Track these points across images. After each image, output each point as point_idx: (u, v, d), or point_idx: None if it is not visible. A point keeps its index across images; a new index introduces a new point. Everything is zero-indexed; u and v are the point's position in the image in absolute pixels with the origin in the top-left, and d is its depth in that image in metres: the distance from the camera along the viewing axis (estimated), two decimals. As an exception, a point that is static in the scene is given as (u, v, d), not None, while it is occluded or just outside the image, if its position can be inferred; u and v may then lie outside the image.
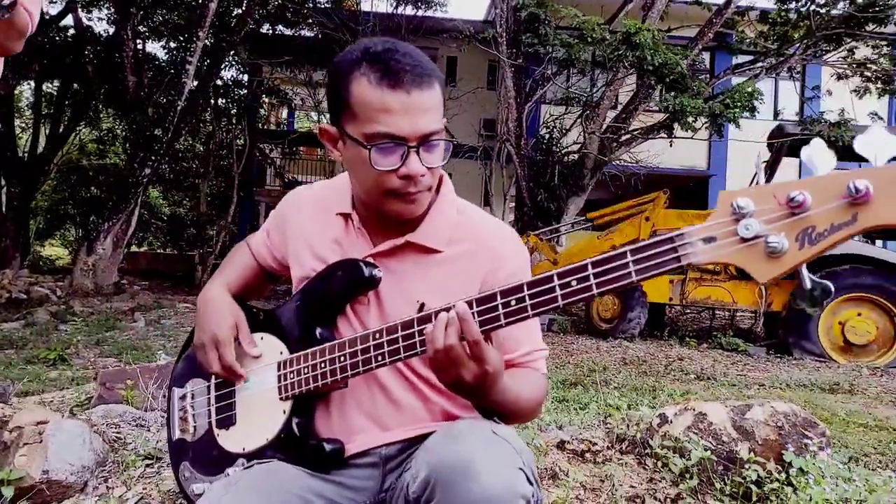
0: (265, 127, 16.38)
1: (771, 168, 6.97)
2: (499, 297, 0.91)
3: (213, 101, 13.26)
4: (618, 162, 10.12)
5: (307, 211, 1.20)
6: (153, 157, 9.53)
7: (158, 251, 16.76)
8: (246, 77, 14.81)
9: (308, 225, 1.19)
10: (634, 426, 2.06)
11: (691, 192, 16.06)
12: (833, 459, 1.81)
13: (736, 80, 10.64)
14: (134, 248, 15.48)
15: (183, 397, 1.27)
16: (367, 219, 1.13)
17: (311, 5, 13.82)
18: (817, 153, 0.74)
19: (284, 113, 19.04)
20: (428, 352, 0.93)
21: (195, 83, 10.07)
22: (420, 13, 14.12)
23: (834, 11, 10.25)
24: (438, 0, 14.37)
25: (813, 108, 11.90)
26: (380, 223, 1.12)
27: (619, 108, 9.74)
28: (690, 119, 6.94)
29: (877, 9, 8.62)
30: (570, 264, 0.90)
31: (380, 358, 1.00)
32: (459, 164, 15.76)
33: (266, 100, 15.28)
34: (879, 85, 10.69)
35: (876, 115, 11.26)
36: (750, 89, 6.97)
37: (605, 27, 6.47)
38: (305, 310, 1.13)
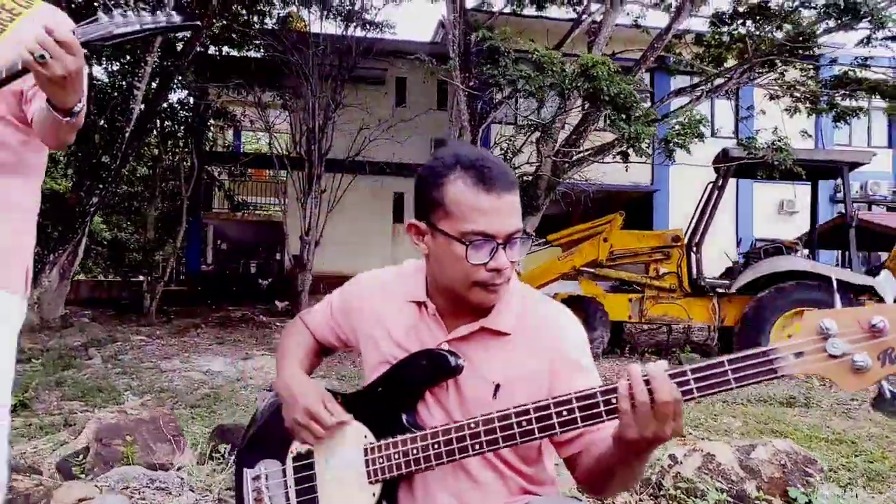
0: (212, 149, 16.07)
1: (719, 190, 7.34)
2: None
3: (159, 124, 12.95)
4: (569, 180, 10.41)
5: (379, 296, 1.28)
6: (101, 185, 9.25)
7: (100, 278, 16.16)
8: (192, 99, 14.53)
9: (382, 310, 1.26)
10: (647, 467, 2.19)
11: (637, 207, 16.63)
12: (829, 490, 1.96)
13: (677, 101, 11.17)
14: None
15: (256, 478, 1.29)
16: (442, 306, 1.20)
17: (257, 27, 13.71)
18: (888, 284, 0.90)
19: (230, 134, 18.75)
20: (638, 409, 0.95)
21: (142, 107, 9.84)
22: (369, 35, 14.17)
23: (767, 36, 10.91)
24: (387, 22, 14.47)
25: (748, 127, 12.58)
26: (453, 310, 1.19)
27: (569, 129, 10.02)
28: (644, 145, 7.27)
29: (805, 37, 9.20)
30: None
31: (477, 447, 1.08)
32: (412, 183, 15.89)
33: (213, 122, 15.01)
34: (808, 105, 11.38)
35: (806, 132, 11.98)
36: (699, 117, 7.35)
37: (563, 60, 6.71)
38: (390, 396, 1.19)
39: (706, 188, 7.75)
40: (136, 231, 14.64)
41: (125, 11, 1.25)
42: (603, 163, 10.21)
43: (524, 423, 1.04)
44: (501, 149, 10.98)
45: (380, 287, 1.30)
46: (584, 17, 10.90)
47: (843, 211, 12.05)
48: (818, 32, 9.36)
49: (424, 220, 1.16)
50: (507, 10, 13.70)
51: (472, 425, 1.08)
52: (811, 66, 10.68)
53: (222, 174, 17.20)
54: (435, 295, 1.21)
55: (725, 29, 11.57)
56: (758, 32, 11.06)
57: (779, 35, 10.70)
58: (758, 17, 11.04)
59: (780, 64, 9.91)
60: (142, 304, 12.54)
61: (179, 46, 11.42)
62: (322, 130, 13.02)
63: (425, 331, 1.21)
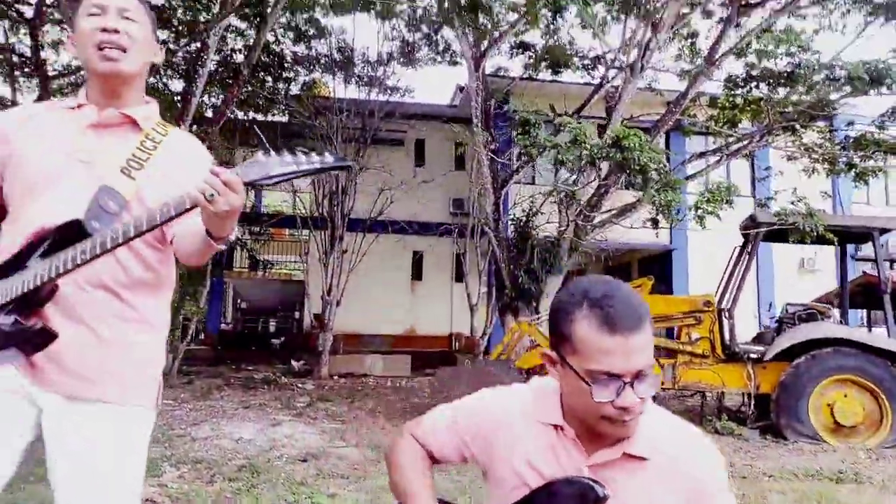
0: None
1: (749, 255, 7.35)
2: None
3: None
4: (591, 240, 10.48)
5: (511, 417, 1.29)
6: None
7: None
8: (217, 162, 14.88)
9: (517, 431, 1.27)
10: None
11: (654, 264, 16.64)
12: None
13: (696, 163, 11.34)
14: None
15: None
16: (580, 430, 1.22)
17: (282, 93, 14.15)
18: None
19: (252, 195, 19.10)
20: None
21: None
22: (390, 99, 14.58)
23: (783, 100, 11.12)
24: (407, 87, 14.90)
25: (766, 187, 12.68)
26: (591, 435, 1.21)
27: (590, 189, 10.14)
28: (674, 212, 7.36)
29: (825, 104, 9.36)
30: None
31: None
32: (432, 241, 16.05)
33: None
34: (826, 165, 11.48)
35: (826, 193, 12.05)
36: (727, 185, 7.45)
37: (593, 133, 6.89)
38: None
39: (733, 252, 7.77)
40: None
41: (282, 152, 1.33)
42: (622, 226, 10.30)
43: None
44: (523, 210, 11.11)
45: (512, 407, 1.31)
46: (604, 82, 11.13)
47: (866, 271, 11.99)
48: (837, 98, 9.51)
49: (556, 350, 1.20)
50: (524, 74, 14.02)
51: None
52: (829, 129, 10.78)
53: (244, 233, 17.47)
54: (571, 419, 1.23)
55: (739, 92, 11.84)
56: (772, 95, 11.29)
57: (794, 98, 10.92)
58: (770, 81, 11.29)
59: (799, 128, 10.04)
60: (166, 365, 12.55)
61: (209, 113, 11.76)
62: (345, 192, 13.26)
63: (564, 455, 1.22)
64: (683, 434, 1.25)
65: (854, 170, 10.99)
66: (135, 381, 1.51)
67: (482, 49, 10.42)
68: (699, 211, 7.40)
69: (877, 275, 6.97)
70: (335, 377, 12.88)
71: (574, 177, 8.25)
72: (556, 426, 1.24)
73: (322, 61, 14.38)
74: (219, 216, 1.31)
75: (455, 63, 14.63)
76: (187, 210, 1.34)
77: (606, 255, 11.62)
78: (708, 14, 11.52)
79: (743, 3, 10.53)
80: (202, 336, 16.63)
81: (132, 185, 1.51)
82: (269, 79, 13.99)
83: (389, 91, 14.53)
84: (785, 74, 11.01)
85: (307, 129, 13.34)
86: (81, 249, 1.37)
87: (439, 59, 14.77)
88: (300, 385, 11.30)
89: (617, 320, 1.12)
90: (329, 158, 1.36)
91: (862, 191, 15.60)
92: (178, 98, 10.76)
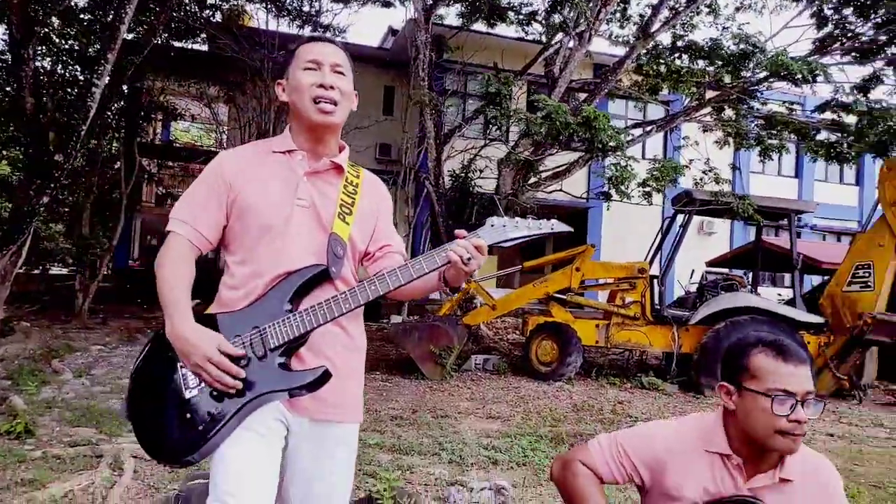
0: (150, 141, 15.39)
1: (682, 229, 7.98)
2: None
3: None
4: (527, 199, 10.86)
5: (684, 446, 1.56)
6: (52, 185, 8.76)
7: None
8: (126, 89, 13.85)
9: (687, 460, 1.54)
10: None
11: (571, 221, 17.40)
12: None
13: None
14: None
15: None
16: (744, 457, 1.50)
17: (203, 19, 13.28)
18: None
19: (160, 126, 17.97)
20: None
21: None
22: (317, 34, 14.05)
23: (700, 70, 11.84)
24: (339, 25, 14.42)
25: (682, 156, 13.57)
26: (753, 461, 1.50)
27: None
28: (624, 188, 7.81)
29: (749, 84, 10.09)
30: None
31: None
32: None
33: (153, 114, 14.38)
34: (737, 139, 12.42)
35: (735, 165, 13.07)
36: (674, 164, 7.97)
37: (567, 110, 7.10)
38: None
39: (663, 223, 8.41)
40: (69, 228, 13.82)
41: (513, 217, 1.55)
42: (552, 189, 10.76)
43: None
44: (462, 164, 11.30)
45: (680, 438, 1.58)
46: (549, 44, 11.33)
47: (757, 237, 13.22)
48: (757, 81, 10.24)
49: (733, 383, 1.48)
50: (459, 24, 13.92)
51: None
52: (749, 108, 11.62)
53: (150, 165, 16.49)
54: (738, 447, 1.50)
55: (662, 61, 12.46)
56: (692, 67, 11.99)
57: (715, 73, 11.65)
58: (692, 53, 11.95)
59: (726, 108, 10.78)
60: (69, 302, 11.89)
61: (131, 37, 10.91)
62: (274, 131, 12.84)
63: (728, 479, 1.50)
64: (813, 458, 1.56)
65: (761, 145, 11.96)
66: (359, 402, 1.69)
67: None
68: (647, 187, 7.92)
69: (789, 248, 7.81)
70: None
71: (527, 142, 8.48)
72: (722, 455, 1.52)
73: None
74: (466, 273, 1.51)
75: (388, 4, 14.26)
76: (442, 266, 1.52)
77: (531, 212, 12.07)
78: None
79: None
80: (108, 273, 15.79)
81: (347, 229, 1.62)
82: (192, 4, 13.05)
83: (322, 29, 14.00)
84: (706, 49, 11.70)
85: (231, 60, 12.63)
86: (343, 300, 1.51)
87: (373, -2, 14.33)
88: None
89: (790, 352, 1.47)
90: (554, 224, 1.57)
91: (754, 159, 16.99)
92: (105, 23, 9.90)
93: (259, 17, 16.66)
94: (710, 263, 13.89)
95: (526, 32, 13.37)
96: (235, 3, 13.91)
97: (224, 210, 1.61)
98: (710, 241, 17.08)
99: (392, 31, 17.19)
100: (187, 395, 1.51)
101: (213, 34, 13.15)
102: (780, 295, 13.77)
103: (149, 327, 10.65)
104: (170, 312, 1.51)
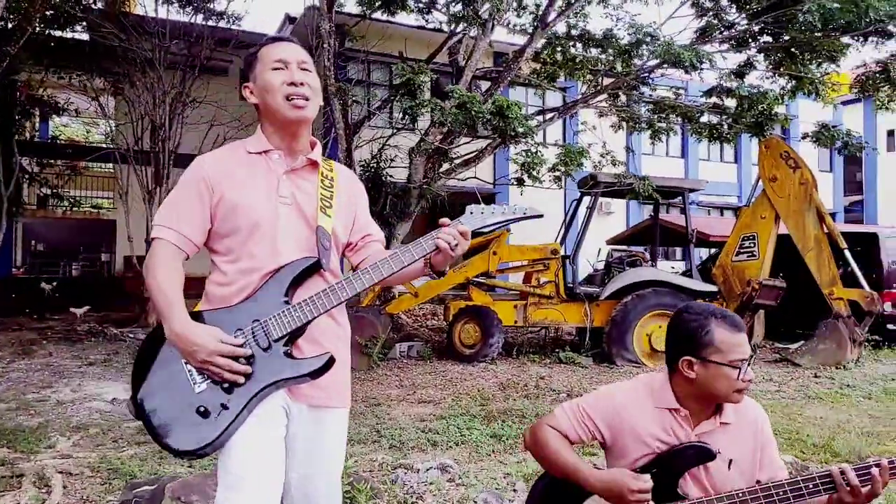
0: (31, 139, 14.25)
1: (589, 210, 8.41)
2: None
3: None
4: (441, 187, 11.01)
5: (637, 403, 1.76)
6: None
7: None
8: None
9: (641, 415, 1.75)
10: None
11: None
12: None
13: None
14: None
15: None
16: (691, 410, 1.72)
17: (81, 7, 12.41)
18: None
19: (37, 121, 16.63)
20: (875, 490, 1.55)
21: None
22: (216, 24, 13.52)
23: (593, 57, 12.45)
24: (235, 13, 13.90)
25: (581, 140, 14.21)
26: (700, 413, 1.71)
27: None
28: (535, 173, 8.12)
29: (642, 72, 10.71)
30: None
31: None
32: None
33: (32, 110, 13.33)
34: (631, 124, 13.17)
35: (629, 148, 13.84)
36: (580, 150, 8.37)
37: (480, 100, 7.26)
38: (662, 475, 1.67)
39: (571, 205, 8.83)
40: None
41: (484, 206, 1.69)
42: (468, 176, 10.99)
43: (789, 491, 1.58)
44: (372, 154, 11.27)
45: (633, 397, 1.77)
46: (453, 34, 11.49)
47: (651, 215, 14.11)
48: (650, 67, 10.87)
49: (696, 357, 1.68)
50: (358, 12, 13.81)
51: (747, 493, 1.61)
52: (640, 94, 12.30)
53: (31, 165, 15.29)
54: (685, 403, 1.71)
55: (559, 49, 12.99)
56: (586, 55, 12.59)
57: (609, 61, 12.27)
58: (586, 42, 12.53)
59: (621, 94, 11.37)
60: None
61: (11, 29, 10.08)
62: (170, 125, 12.28)
63: (678, 429, 1.72)
64: (748, 402, 1.80)
65: (652, 129, 12.72)
66: (348, 388, 1.78)
67: (335, -12, 10.14)
68: (556, 172, 8.28)
69: (684, 224, 8.43)
70: (165, 324, 12.27)
71: (437, 130, 8.60)
72: (671, 409, 1.72)
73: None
74: (452, 257, 1.64)
75: (284, -9, 13.89)
76: (430, 252, 1.62)
77: (442, 199, 12.27)
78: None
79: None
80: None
81: (329, 221, 1.69)
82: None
83: (216, 16, 13.45)
84: (598, 38, 12.29)
85: (121, 51, 11.92)
86: (340, 289, 1.59)
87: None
88: (131, 335, 10.63)
89: (738, 323, 1.70)
90: (527, 209, 1.72)
91: (645, 140, 18.07)
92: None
93: (146, 5, 15.82)
94: (611, 241, 14.68)
95: (427, 21, 13.49)
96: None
97: (208, 212, 1.65)
98: (609, 220, 18.00)
99: (290, 19, 16.80)
100: (196, 389, 1.55)
101: (97, 22, 12.35)
102: (673, 268, 14.76)
103: (44, 338, 9.99)
104: (167, 315, 1.54)
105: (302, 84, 1.65)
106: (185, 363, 1.56)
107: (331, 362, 1.59)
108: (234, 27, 13.92)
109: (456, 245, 1.61)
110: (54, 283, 15.05)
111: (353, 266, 1.83)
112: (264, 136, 1.72)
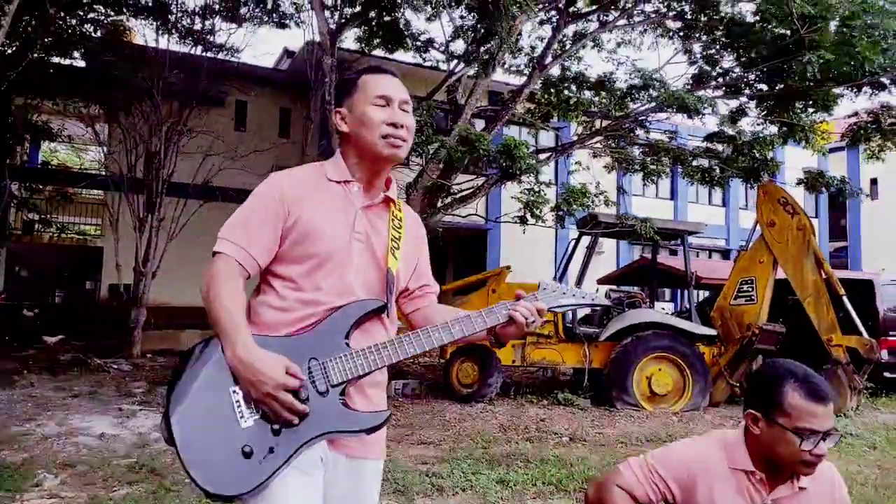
0: (23, 164, 14.09)
1: (590, 249, 8.40)
2: None
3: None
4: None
5: (710, 464, 1.68)
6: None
7: None
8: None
9: (715, 477, 1.66)
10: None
11: (470, 243, 17.85)
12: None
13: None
14: None
15: None
16: (767, 474, 1.65)
17: (81, 35, 12.42)
18: None
19: (28, 146, 16.45)
20: None
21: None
22: (211, 56, 13.58)
23: (587, 99, 12.62)
24: (233, 46, 14.00)
25: (575, 179, 14.32)
26: (775, 477, 1.64)
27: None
28: (538, 212, 8.13)
29: (635, 117, 10.87)
30: None
31: None
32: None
33: (25, 135, 13.22)
34: (624, 164, 13.30)
35: (622, 189, 13.96)
36: (583, 189, 8.40)
37: (489, 139, 7.29)
38: None
39: (569, 244, 8.83)
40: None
41: (557, 284, 1.66)
42: (467, 213, 11.00)
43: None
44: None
45: (706, 456, 1.69)
46: (452, 72, 11.63)
47: (643, 255, 14.15)
48: (645, 110, 11.03)
49: (763, 413, 1.60)
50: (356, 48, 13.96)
51: None
52: (633, 135, 12.46)
53: (20, 190, 15.07)
54: (759, 464, 1.63)
55: (553, 91, 13.19)
56: (580, 97, 12.78)
57: (604, 104, 12.45)
58: (580, 85, 12.73)
59: (628, 139, 11.52)
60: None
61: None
62: (165, 154, 12.20)
63: (753, 492, 1.63)
64: (825, 467, 1.73)
65: (645, 170, 12.86)
66: (384, 438, 1.68)
67: (339, 24, 10.27)
68: (560, 211, 8.30)
69: (675, 265, 8.42)
70: (149, 355, 12.01)
71: (434, 166, 8.60)
72: (746, 471, 1.64)
73: (131, 3, 12.83)
74: (525, 333, 1.61)
75: (284, 25, 14.04)
76: (499, 324, 1.58)
77: (439, 234, 12.25)
78: (542, 22, 12.52)
79: (568, 17, 11.59)
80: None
81: (396, 264, 1.62)
82: (70, 17, 12.18)
83: (215, 49, 13.52)
84: (592, 81, 12.51)
85: (119, 80, 11.89)
86: (408, 343, 1.52)
87: (266, 18, 14.04)
88: (115, 366, 10.37)
89: (820, 392, 1.57)
90: (596, 296, 1.72)
91: (636, 181, 18.26)
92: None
93: (146, 35, 15.88)
94: (601, 280, 14.70)
95: (424, 59, 13.67)
96: (118, 18, 13.15)
97: (279, 233, 1.56)
98: (600, 259, 17.98)
99: (288, 53, 16.94)
100: (243, 424, 1.42)
101: (96, 50, 12.35)
102: (663, 308, 14.78)
103: (25, 368, 9.69)
104: (231, 338, 1.43)
105: (402, 126, 1.58)
106: (234, 391, 1.43)
107: (387, 420, 1.51)
108: (232, 59, 13.99)
109: (532, 322, 1.56)
110: (36, 311, 14.73)
111: (404, 314, 1.76)
112: (345, 165, 1.64)
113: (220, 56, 13.62)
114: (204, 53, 13.20)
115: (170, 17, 13.10)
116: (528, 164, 7.24)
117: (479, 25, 10.72)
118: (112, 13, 13.08)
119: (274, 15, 13.69)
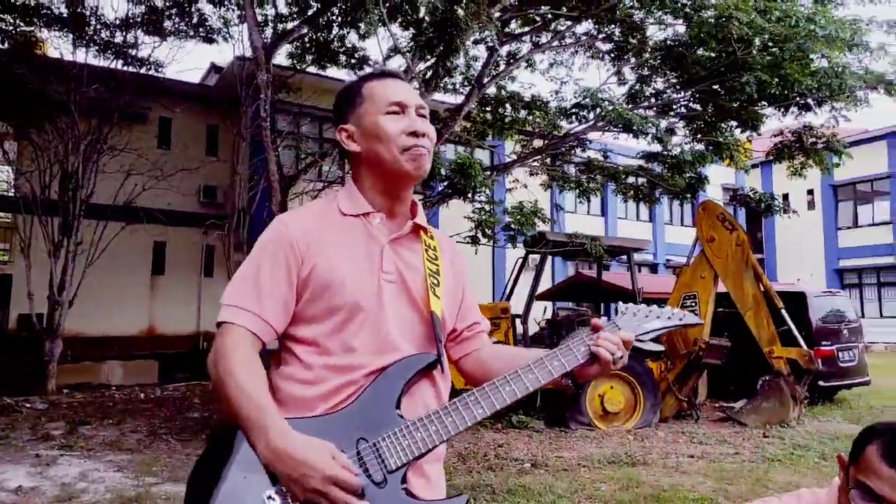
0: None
1: (539, 268, 8.35)
2: None
3: None
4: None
5: None
6: None
7: None
8: None
9: None
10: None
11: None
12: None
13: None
14: None
15: None
16: None
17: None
18: None
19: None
20: None
21: None
22: (134, 70, 12.91)
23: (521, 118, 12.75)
24: (157, 60, 13.33)
25: (515, 196, 14.40)
26: None
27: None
28: (489, 231, 8.01)
29: (574, 136, 11.02)
30: None
31: None
32: (178, 232, 14.63)
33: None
34: (560, 182, 13.47)
35: (558, 206, 14.12)
36: (534, 209, 8.34)
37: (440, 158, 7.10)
38: None
39: (516, 263, 8.77)
40: None
41: (640, 306, 1.43)
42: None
43: None
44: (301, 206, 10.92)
45: None
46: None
47: (580, 271, 14.33)
48: (581, 129, 11.18)
49: (850, 460, 1.44)
50: (286, 63, 13.61)
51: None
52: (570, 154, 12.63)
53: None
54: None
55: (489, 108, 13.27)
56: (515, 116, 12.91)
57: (540, 123, 12.59)
58: (514, 104, 12.87)
59: (564, 157, 11.63)
60: None
61: None
62: (83, 173, 11.42)
63: None
64: None
65: (580, 188, 13.05)
66: None
67: (274, 39, 9.93)
68: (510, 231, 8.21)
69: (631, 284, 8.52)
70: (66, 391, 11.12)
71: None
72: None
73: (43, 13, 12.04)
74: (608, 371, 1.34)
75: (211, 41, 13.52)
76: (579, 365, 1.32)
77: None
78: (476, 42, 12.55)
79: (504, 37, 11.67)
80: None
81: (439, 304, 1.36)
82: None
83: (137, 63, 12.84)
84: (526, 101, 12.66)
85: (33, 94, 11.07)
86: (475, 404, 1.25)
87: (192, 32, 13.51)
88: (28, 405, 9.51)
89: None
90: (685, 315, 1.46)
91: (570, 197, 18.60)
92: None
93: (62, 48, 14.98)
94: (539, 297, 14.78)
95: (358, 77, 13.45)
96: (28, 29, 12.29)
97: (295, 288, 1.29)
98: (532, 275, 18.17)
99: (215, 68, 16.30)
100: None
101: (2, 62, 11.46)
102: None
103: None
104: (260, 424, 1.14)
105: (424, 135, 1.35)
106: (269, 498, 1.13)
107: None
108: (156, 74, 13.34)
109: (620, 357, 1.32)
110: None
111: (453, 360, 1.50)
112: (360, 194, 1.38)
113: (143, 71, 12.96)
114: (125, 68, 12.52)
115: (87, 29, 12.38)
116: (482, 183, 7.14)
117: (416, 42, 10.63)
118: (21, 24, 12.24)
119: (200, 29, 13.20)
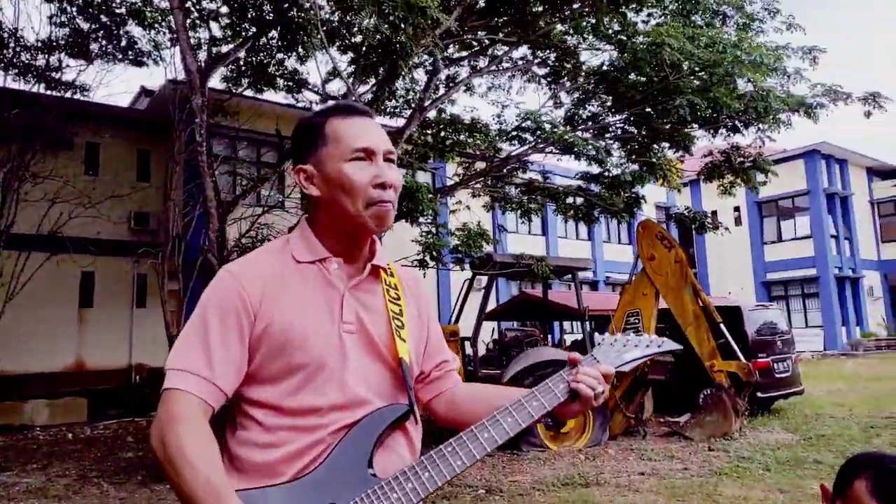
0: None
1: (487, 289, 8.35)
2: None
3: None
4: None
5: None
6: None
7: None
8: None
9: None
10: None
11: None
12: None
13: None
14: None
15: None
16: None
17: None
18: None
19: None
20: None
21: None
22: (55, 94, 12.36)
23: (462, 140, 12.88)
24: (83, 84, 12.80)
25: (458, 218, 14.45)
26: None
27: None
28: (436, 254, 7.94)
29: (516, 158, 11.18)
30: None
31: None
32: (107, 261, 13.98)
33: None
34: (502, 203, 13.61)
35: (502, 227, 14.24)
36: (481, 231, 8.34)
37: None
38: None
39: (464, 284, 8.75)
40: None
41: (627, 334, 1.39)
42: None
43: None
44: (240, 232, 10.60)
45: None
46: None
47: (524, 290, 14.48)
48: (522, 151, 11.35)
49: (836, 492, 1.43)
50: (221, 86, 13.36)
51: None
52: (511, 175, 12.79)
53: None
54: None
55: (430, 131, 13.35)
56: (456, 138, 13.03)
57: (481, 145, 12.74)
58: (454, 127, 13.01)
59: (506, 179, 11.76)
60: None
61: None
62: (3, 202, 10.78)
63: None
64: None
65: (522, 208, 13.22)
66: None
67: (209, 62, 9.70)
68: (458, 253, 8.19)
69: (576, 302, 8.64)
70: (-16, 433, 10.38)
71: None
72: None
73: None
74: (589, 408, 1.28)
75: (140, 63, 13.12)
76: (560, 403, 1.26)
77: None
78: (415, 65, 12.62)
79: (445, 61, 11.80)
80: None
81: (405, 347, 1.27)
82: None
83: (62, 87, 12.30)
84: (466, 124, 12.82)
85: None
86: (452, 456, 1.17)
87: (120, 56, 13.07)
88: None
89: (887, 491, 1.35)
90: (663, 342, 1.42)
91: (510, 217, 18.85)
92: None
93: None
94: (485, 317, 14.82)
95: (297, 100, 13.31)
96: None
97: (247, 347, 1.18)
98: (480, 295, 18.23)
99: (146, 92, 15.79)
100: None
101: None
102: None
103: None
104: None
105: (391, 186, 1.25)
106: None
107: None
108: (82, 98, 12.81)
109: (601, 392, 1.26)
110: None
111: (422, 402, 1.41)
112: (316, 240, 1.28)
113: (69, 95, 12.43)
114: (48, 92, 11.98)
115: (5, 51, 11.82)
116: (429, 207, 7.10)
117: (357, 65, 10.60)
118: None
119: (129, 52, 12.78)
